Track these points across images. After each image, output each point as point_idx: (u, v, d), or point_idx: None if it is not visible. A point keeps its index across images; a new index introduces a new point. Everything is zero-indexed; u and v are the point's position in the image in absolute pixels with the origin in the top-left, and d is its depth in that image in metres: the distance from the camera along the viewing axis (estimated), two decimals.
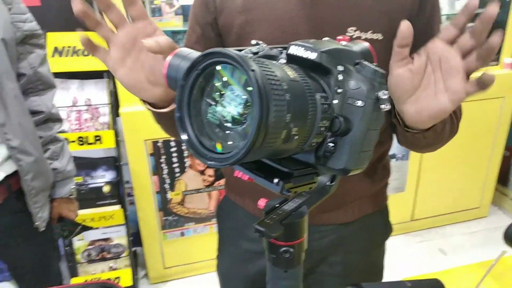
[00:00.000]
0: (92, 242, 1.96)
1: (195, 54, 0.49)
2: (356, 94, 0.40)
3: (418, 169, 2.39)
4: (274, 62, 0.38)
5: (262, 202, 0.54)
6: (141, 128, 1.88)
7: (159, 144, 1.93)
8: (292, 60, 0.41)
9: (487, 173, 2.54)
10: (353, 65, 0.42)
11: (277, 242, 0.51)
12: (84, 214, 1.85)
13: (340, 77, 0.41)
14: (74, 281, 1.93)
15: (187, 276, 2.23)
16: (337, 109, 0.41)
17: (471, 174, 2.52)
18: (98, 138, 1.83)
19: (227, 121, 0.35)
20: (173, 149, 1.96)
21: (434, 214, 2.57)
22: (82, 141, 1.83)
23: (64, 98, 1.86)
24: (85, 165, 1.91)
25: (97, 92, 1.91)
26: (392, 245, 2.63)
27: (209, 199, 2.10)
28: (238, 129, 0.34)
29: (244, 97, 0.33)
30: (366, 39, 0.71)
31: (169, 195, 2.03)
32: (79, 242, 1.94)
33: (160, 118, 0.71)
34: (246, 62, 0.31)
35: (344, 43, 0.44)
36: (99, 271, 2.00)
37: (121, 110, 1.86)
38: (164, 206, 2.04)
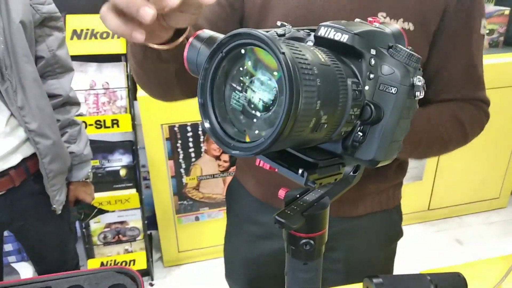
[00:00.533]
0: (108, 225, 1.99)
1: (217, 35, 0.47)
2: (389, 80, 0.38)
3: (436, 158, 2.34)
4: (303, 44, 0.35)
5: (282, 192, 0.52)
6: (158, 112, 1.88)
7: (176, 128, 1.92)
8: (321, 42, 0.39)
9: (508, 163, 2.48)
10: (387, 49, 0.40)
11: (297, 234, 0.50)
12: (100, 197, 1.86)
13: (373, 61, 0.38)
14: (91, 262, 1.96)
15: (201, 260, 2.25)
16: (368, 96, 0.38)
17: (492, 163, 2.45)
18: (115, 122, 1.83)
19: (252, 108, 0.33)
20: (189, 134, 1.95)
21: (451, 204, 2.53)
22: (99, 124, 1.83)
23: (82, 81, 1.86)
24: (102, 148, 1.92)
25: (115, 76, 1.90)
26: (408, 234, 2.60)
27: (224, 185, 2.10)
28: (264, 116, 0.32)
29: (274, 82, 0.31)
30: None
31: (185, 179, 2.03)
32: (96, 225, 1.97)
33: (148, 59, 0.58)
34: (276, 44, 0.29)
35: (376, 24, 0.41)
36: (115, 253, 2.02)
37: (138, 94, 1.85)
38: (179, 191, 2.05)
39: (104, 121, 1.83)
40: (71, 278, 0.72)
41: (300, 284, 0.54)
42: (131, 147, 1.94)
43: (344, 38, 0.37)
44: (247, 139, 0.32)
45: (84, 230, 1.95)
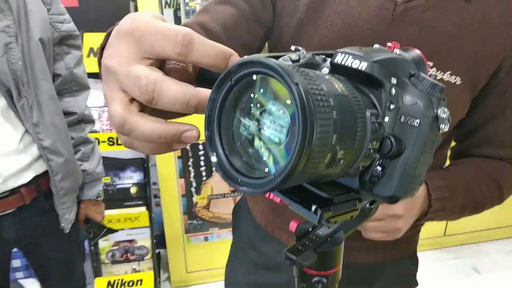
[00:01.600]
0: (117, 243, 1.96)
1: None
2: (412, 111, 0.35)
3: None
4: (318, 72, 0.33)
5: (293, 224, 0.50)
6: None
7: (187, 147, 1.91)
8: (338, 70, 0.37)
9: None
10: (408, 77, 0.37)
11: (309, 271, 0.47)
12: (110, 215, 1.85)
13: (393, 91, 0.35)
14: (98, 281, 1.93)
15: (209, 281, 2.20)
16: (388, 128, 0.35)
17: None
18: None
19: (262, 139, 0.30)
20: (201, 152, 1.94)
21: (469, 230, 2.45)
22: (112, 141, 1.83)
23: (96, 98, 1.87)
24: (114, 165, 1.91)
25: None
26: (423, 260, 2.53)
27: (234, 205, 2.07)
28: (275, 148, 0.30)
29: (287, 113, 0.29)
30: (441, 80, 0.64)
31: (195, 198, 2.01)
32: (104, 243, 1.95)
33: None
34: (289, 74, 0.26)
35: (397, 51, 0.39)
36: (122, 272, 1.99)
37: None
38: (189, 210, 2.02)
39: (117, 138, 1.83)
40: None
41: None
42: (143, 164, 1.93)
43: (362, 66, 0.35)
44: (256, 174, 0.30)
45: (92, 247, 1.93)
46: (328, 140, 0.28)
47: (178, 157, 1.92)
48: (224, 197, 2.03)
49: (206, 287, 2.19)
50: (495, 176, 0.74)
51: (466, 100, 0.69)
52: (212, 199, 2.02)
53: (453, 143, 0.82)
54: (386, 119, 0.35)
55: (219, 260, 2.16)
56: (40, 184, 1.14)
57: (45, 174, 1.13)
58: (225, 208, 2.05)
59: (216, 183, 2.00)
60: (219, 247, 2.12)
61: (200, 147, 1.92)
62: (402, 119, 0.35)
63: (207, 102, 0.31)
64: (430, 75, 0.45)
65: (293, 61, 0.40)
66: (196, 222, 2.05)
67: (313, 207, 0.35)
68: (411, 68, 0.38)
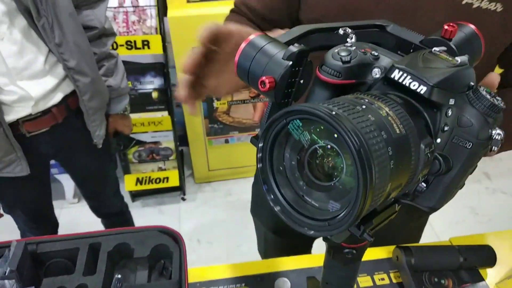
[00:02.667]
0: (142, 144, 2.06)
1: (272, 46, 0.42)
2: (466, 133, 0.34)
3: None
4: (377, 108, 0.31)
5: None
6: (190, 34, 1.80)
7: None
8: (392, 84, 0.35)
9: None
10: (466, 91, 0.35)
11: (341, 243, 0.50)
12: (134, 119, 1.90)
13: (450, 112, 0.34)
14: (127, 178, 2.07)
15: (230, 178, 2.35)
16: (439, 148, 0.35)
17: None
18: (146, 43, 1.79)
19: (314, 176, 0.31)
20: None
21: None
22: (130, 45, 1.79)
23: None
24: (134, 70, 1.90)
25: None
26: None
27: (254, 110, 2.09)
28: (325, 184, 0.31)
29: (337, 151, 0.29)
30: (479, 8, 0.58)
31: (215, 104, 2.03)
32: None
33: None
34: (347, 133, 0.25)
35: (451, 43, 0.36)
36: (149, 170, 2.13)
37: (169, 15, 1.77)
38: (210, 114, 2.06)
39: (135, 41, 1.78)
40: (118, 235, 0.77)
41: (337, 279, 0.57)
42: (163, 69, 1.91)
43: (421, 89, 0.33)
44: (308, 210, 0.31)
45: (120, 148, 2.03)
46: (384, 191, 0.28)
47: None
48: (244, 102, 2.05)
49: (227, 183, 2.34)
50: None
51: (509, 27, 0.64)
52: (232, 104, 2.04)
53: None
54: (438, 140, 0.35)
55: (239, 160, 2.28)
56: (69, 103, 1.16)
57: (73, 93, 1.15)
58: (245, 114, 2.08)
59: None
60: (239, 148, 2.21)
61: None
62: (454, 140, 0.35)
63: (257, 152, 0.31)
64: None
65: (344, 62, 0.37)
66: (217, 126, 2.10)
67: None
68: (470, 79, 0.36)
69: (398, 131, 0.30)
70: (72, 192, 2.17)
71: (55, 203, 2.21)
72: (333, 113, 0.27)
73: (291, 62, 0.40)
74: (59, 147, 1.21)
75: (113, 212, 1.52)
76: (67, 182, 2.13)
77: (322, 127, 0.30)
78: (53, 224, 1.45)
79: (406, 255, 0.80)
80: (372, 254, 0.86)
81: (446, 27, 0.42)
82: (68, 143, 1.23)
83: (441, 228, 2.04)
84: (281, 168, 0.33)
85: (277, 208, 0.32)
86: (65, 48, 1.05)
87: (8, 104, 1.03)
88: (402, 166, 0.30)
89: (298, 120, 0.31)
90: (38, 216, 1.34)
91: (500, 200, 2.21)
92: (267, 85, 0.40)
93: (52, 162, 1.37)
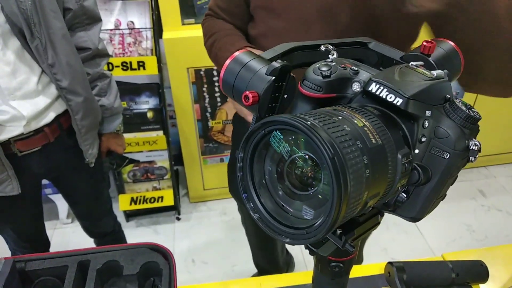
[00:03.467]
0: (137, 164, 2.06)
1: (256, 62, 0.43)
2: (443, 143, 0.35)
3: None
4: (353, 118, 0.32)
5: None
6: (184, 55, 1.83)
7: (202, 72, 1.89)
8: (370, 97, 0.36)
9: None
10: (443, 103, 0.36)
11: (327, 257, 0.50)
12: (129, 138, 1.91)
13: (427, 124, 0.35)
14: (122, 197, 2.06)
15: (225, 197, 2.34)
16: (417, 159, 0.36)
17: None
18: (141, 64, 1.81)
19: (293, 185, 0.31)
20: (215, 78, 1.92)
21: (480, 154, 2.48)
22: (126, 66, 1.81)
23: (107, 20, 1.81)
24: (130, 90, 1.92)
25: (139, 15, 1.84)
26: None
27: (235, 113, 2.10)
28: (302, 194, 0.31)
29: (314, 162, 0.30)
30: None
31: (210, 123, 2.04)
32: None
33: None
34: (324, 145, 0.26)
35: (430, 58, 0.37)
36: (144, 190, 2.12)
37: (164, 37, 1.80)
38: (205, 134, 2.07)
39: (131, 63, 1.80)
40: (108, 253, 0.76)
41: None
42: (158, 89, 1.93)
43: (398, 101, 0.34)
44: (287, 220, 0.31)
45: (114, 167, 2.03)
46: (360, 199, 0.29)
47: (193, 83, 1.91)
48: None
49: (222, 202, 2.33)
50: None
51: None
52: (227, 124, 2.05)
53: None
54: (416, 151, 0.35)
55: None
56: (62, 123, 1.17)
57: (65, 112, 1.16)
58: None
59: (231, 109, 2.01)
60: None
61: (215, 72, 1.89)
62: (432, 151, 0.36)
63: (237, 162, 0.31)
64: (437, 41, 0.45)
65: (324, 77, 0.39)
66: (212, 145, 2.11)
67: (338, 232, 0.37)
68: (446, 91, 0.37)
69: (374, 141, 0.31)
70: (65, 212, 2.16)
71: (49, 223, 2.20)
72: (308, 123, 0.27)
73: (274, 77, 0.41)
74: (50, 166, 1.21)
75: (106, 232, 1.51)
76: (60, 202, 2.12)
77: (302, 138, 0.31)
78: (45, 244, 1.44)
79: (398, 271, 0.80)
80: (364, 270, 0.86)
81: (425, 43, 0.44)
82: (60, 163, 1.23)
83: (437, 245, 2.03)
84: (261, 179, 0.34)
85: (255, 216, 0.32)
86: (58, 68, 1.06)
87: (0, 123, 1.03)
88: (378, 175, 0.30)
89: (279, 133, 0.32)
90: (29, 236, 1.33)
91: (496, 217, 2.21)
92: (251, 99, 0.41)
93: (46, 182, 1.37)
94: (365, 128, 0.31)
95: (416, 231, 2.12)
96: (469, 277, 0.83)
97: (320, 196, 0.31)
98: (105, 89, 1.27)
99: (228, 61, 0.45)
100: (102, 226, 1.49)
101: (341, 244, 0.36)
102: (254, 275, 1.84)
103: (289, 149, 0.32)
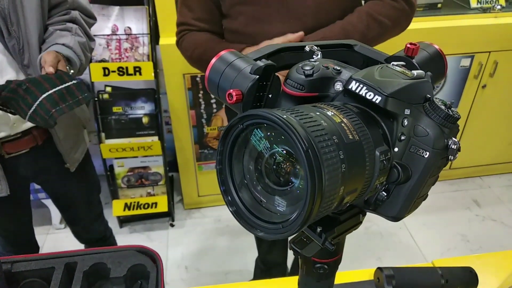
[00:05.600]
0: (132, 169, 2.05)
1: (241, 61, 0.44)
2: (422, 142, 0.35)
3: (465, 117, 2.26)
4: (331, 114, 0.32)
5: None
6: (181, 61, 1.83)
7: (198, 79, 1.89)
8: (351, 95, 0.36)
9: None
10: (422, 103, 0.36)
11: (312, 258, 0.50)
12: (124, 143, 1.91)
13: (406, 122, 0.35)
14: (115, 203, 2.05)
15: (219, 204, 2.33)
16: (397, 157, 0.36)
17: None
18: (137, 70, 1.82)
19: (271, 180, 0.31)
20: None
21: (475, 164, 2.49)
22: (122, 71, 1.82)
23: (104, 25, 1.82)
24: (125, 95, 1.92)
25: (137, 21, 1.85)
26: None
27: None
28: (279, 189, 0.31)
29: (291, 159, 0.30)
30: None
31: (206, 129, 2.04)
32: (120, 169, 2.04)
33: None
34: (299, 137, 0.26)
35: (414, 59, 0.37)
36: (138, 196, 2.11)
37: (161, 43, 1.81)
38: (200, 140, 2.07)
39: (127, 68, 1.81)
40: (95, 255, 0.76)
41: None
42: (154, 95, 1.94)
43: (376, 99, 0.34)
44: (264, 214, 0.32)
45: (108, 173, 2.02)
46: (335, 194, 0.29)
47: (189, 89, 1.92)
48: None
49: (216, 209, 2.32)
50: (371, 14, 1.03)
51: None
52: (222, 130, 2.05)
53: None
54: (396, 149, 0.36)
55: None
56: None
57: None
58: None
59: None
60: None
61: None
62: (412, 149, 0.36)
63: (216, 154, 0.32)
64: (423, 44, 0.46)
65: (307, 76, 0.39)
66: (207, 151, 2.11)
67: (318, 229, 0.37)
68: (426, 91, 0.37)
69: (351, 137, 0.31)
70: (58, 217, 2.15)
71: (42, 228, 2.18)
72: (284, 117, 0.28)
73: (258, 76, 0.42)
74: (38, 169, 1.20)
75: (97, 237, 1.49)
76: (53, 207, 2.10)
77: (281, 136, 0.31)
78: (33, 249, 1.42)
79: (387, 277, 0.80)
80: (354, 276, 0.85)
81: (408, 45, 0.44)
82: (48, 166, 1.21)
83: (431, 255, 2.02)
84: (242, 179, 0.34)
85: (232, 209, 0.32)
86: (32, 70, 1.03)
87: None
88: (355, 170, 0.31)
89: (260, 131, 0.32)
90: (16, 240, 1.31)
91: (490, 227, 2.21)
92: (234, 98, 0.41)
93: (39, 186, 1.35)
94: (342, 124, 0.31)
95: (410, 240, 2.11)
96: (458, 284, 0.82)
97: (298, 192, 0.31)
98: (72, 29, 1.10)
99: (213, 60, 0.45)
100: (93, 232, 1.47)
101: (321, 242, 0.36)
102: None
103: (269, 146, 0.32)
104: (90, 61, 1.77)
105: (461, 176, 2.52)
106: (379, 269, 0.82)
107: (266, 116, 0.28)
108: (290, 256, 1.75)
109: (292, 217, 0.29)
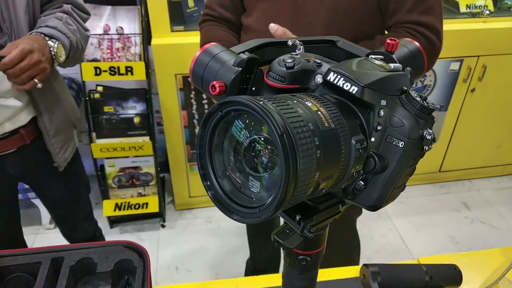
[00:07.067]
0: (123, 169, 2.05)
1: (225, 54, 0.44)
2: (397, 132, 0.36)
3: (455, 121, 2.29)
4: (308, 103, 0.33)
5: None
6: (172, 62, 1.85)
7: (189, 79, 1.90)
8: (329, 86, 0.37)
9: None
10: (399, 95, 0.37)
11: (294, 249, 0.51)
12: (115, 143, 1.91)
13: (382, 112, 0.36)
14: (106, 203, 2.05)
15: (211, 205, 2.33)
16: (373, 147, 0.37)
17: (510, 129, 2.40)
18: (129, 69, 1.82)
19: (249, 167, 0.32)
20: None
21: (464, 167, 2.52)
22: (113, 71, 1.81)
23: (96, 25, 1.82)
24: (117, 95, 1.92)
25: (129, 21, 1.85)
26: (415, 194, 2.61)
27: None
28: (257, 175, 0.32)
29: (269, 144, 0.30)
30: None
31: (198, 130, 2.04)
32: (110, 168, 2.03)
33: None
34: (273, 120, 0.27)
35: (394, 55, 0.38)
36: (129, 196, 2.11)
37: (153, 43, 1.81)
38: (192, 141, 2.07)
39: (118, 68, 1.81)
40: (82, 250, 0.76)
41: None
42: (145, 95, 1.94)
43: (353, 90, 0.35)
44: (243, 200, 0.32)
45: (99, 173, 2.02)
46: (310, 179, 0.30)
47: (180, 89, 1.92)
48: None
49: (208, 210, 2.32)
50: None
51: None
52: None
53: None
54: (372, 139, 0.37)
55: None
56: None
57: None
58: None
59: None
60: None
61: None
62: (388, 139, 0.37)
63: (197, 139, 0.32)
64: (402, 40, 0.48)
65: (288, 68, 0.40)
66: None
67: (297, 217, 0.37)
68: (403, 84, 0.38)
69: (327, 125, 0.32)
70: (48, 217, 2.13)
71: (31, 228, 2.17)
72: (261, 103, 0.28)
73: (241, 69, 0.43)
74: (26, 168, 1.19)
75: (86, 237, 1.47)
76: (43, 207, 2.09)
77: (262, 126, 0.32)
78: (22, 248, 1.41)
79: (373, 273, 0.81)
80: (340, 273, 0.86)
81: (388, 41, 0.45)
82: (36, 165, 1.20)
83: (420, 256, 2.04)
84: (222, 165, 0.34)
85: (210, 193, 0.33)
86: None
87: None
88: (330, 157, 0.31)
89: (240, 122, 0.33)
90: (3, 239, 1.30)
91: (479, 229, 2.23)
92: (217, 89, 0.42)
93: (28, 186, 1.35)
94: (319, 113, 0.32)
95: (400, 242, 2.13)
96: (443, 281, 0.84)
97: (275, 177, 0.31)
98: (62, 18, 1.07)
99: (198, 53, 0.46)
100: (81, 232, 1.46)
101: (300, 230, 0.37)
102: None
103: (248, 135, 0.33)
104: (82, 60, 1.77)
105: (450, 179, 2.55)
106: (365, 265, 0.83)
107: (243, 102, 0.28)
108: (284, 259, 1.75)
109: (268, 201, 0.30)
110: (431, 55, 0.92)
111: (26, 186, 2.03)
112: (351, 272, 0.87)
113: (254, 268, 1.74)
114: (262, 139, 0.31)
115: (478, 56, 2.07)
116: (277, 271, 1.74)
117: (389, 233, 2.18)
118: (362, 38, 0.94)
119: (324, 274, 0.85)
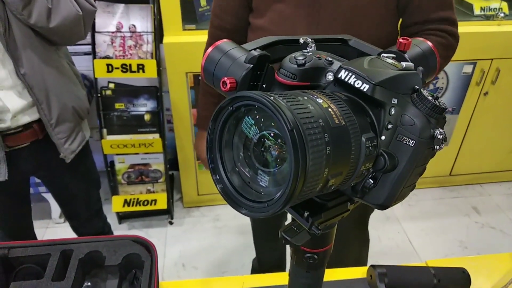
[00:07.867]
0: (132, 166, 2.07)
1: (236, 51, 0.45)
2: (408, 131, 0.36)
3: (467, 124, 2.27)
4: (319, 100, 0.33)
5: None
6: (183, 60, 1.86)
7: (200, 77, 1.90)
8: (340, 84, 0.37)
9: None
10: (410, 94, 0.37)
11: (302, 247, 0.51)
12: (125, 140, 1.92)
13: (393, 111, 0.36)
14: (115, 199, 2.07)
15: (219, 204, 2.34)
16: (384, 146, 0.37)
17: None
18: (141, 67, 1.83)
19: (258, 161, 0.32)
20: None
21: (475, 171, 2.49)
22: (125, 68, 1.83)
23: (108, 23, 1.84)
24: (128, 92, 1.94)
25: (141, 19, 1.87)
26: (425, 197, 2.58)
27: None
28: (266, 171, 0.32)
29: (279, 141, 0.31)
30: None
31: None
32: (120, 165, 2.05)
33: None
34: (284, 117, 0.27)
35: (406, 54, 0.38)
36: (138, 192, 2.12)
37: (164, 41, 1.82)
38: None
39: (130, 65, 1.83)
40: (91, 243, 0.77)
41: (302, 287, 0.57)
42: (156, 93, 1.95)
43: (364, 87, 0.35)
44: (252, 195, 0.32)
45: (109, 169, 2.04)
46: (319, 176, 0.30)
47: (191, 88, 1.93)
48: None
49: (216, 208, 2.33)
50: None
51: None
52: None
53: None
54: (383, 137, 0.37)
55: None
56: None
57: None
58: None
59: None
60: None
61: None
62: (398, 138, 0.37)
63: (207, 133, 0.33)
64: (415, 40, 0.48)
65: (299, 65, 0.40)
66: None
67: (305, 214, 0.37)
68: (415, 82, 0.38)
69: (337, 122, 0.32)
70: (58, 211, 2.16)
71: (41, 222, 2.20)
72: (271, 98, 0.29)
73: (252, 65, 0.43)
74: (38, 163, 1.20)
75: (94, 233, 1.49)
76: (53, 201, 2.11)
77: (272, 122, 0.32)
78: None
79: (380, 275, 0.80)
80: (346, 273, 0.86)
81: (401, 40, 0.45)
82: (48, 160, 1.21)
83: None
84: (231, 161, 0.35)
85: (219, 187, 0.33)
86: (18, 51, 1.01)
87: None
88: (340, 154, 0.31)
89: (250, 118, 0.33)
90: (15, 233, 1.32)
91: (489, 234, 2.20)
92: (228, 85, 0.42)
93: (39, 180, 1.36)
94: (329, 109, 0.32)
95: (408, 245, 2.11)
96: (451, 284, 0.83)
97: (285, 172, 0.32)
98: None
99: (210, 49, 0.46)
100: (91, 227, 1.48)
101: (308, 226, 0.37)
102: None
103: (258, 131, 0.33)
104: (94, 57, 1.79)
105: (461, 183, 2.52)
106: (372, 266, 0.82)
107: (254, 97, 0.29)
108: (289, 259, 1.75)
109: (277, 196, 0.30)
110: (452, 51, 1.00)
111: (37, 180, 2.05)
112: (358, 272, 0.86)
113: (260, 269, 1.74)
114: (272, 134, 0.32)
115: (492, 59, 2.05)
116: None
117: (397, 236, 2.16)
118: (385, 36, 0.96)
119: (331, 274, 0.85)
